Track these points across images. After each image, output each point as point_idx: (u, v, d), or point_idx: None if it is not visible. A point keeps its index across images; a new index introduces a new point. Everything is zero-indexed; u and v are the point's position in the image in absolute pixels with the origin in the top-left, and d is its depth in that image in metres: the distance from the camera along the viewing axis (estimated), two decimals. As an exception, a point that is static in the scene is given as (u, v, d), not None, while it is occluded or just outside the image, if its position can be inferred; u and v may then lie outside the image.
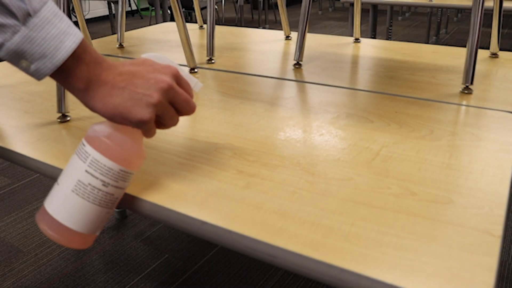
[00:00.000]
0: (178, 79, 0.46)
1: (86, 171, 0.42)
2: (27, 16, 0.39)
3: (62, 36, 0.40)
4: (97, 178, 0.42)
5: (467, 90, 0.74)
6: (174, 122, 0.47)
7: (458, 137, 0.58)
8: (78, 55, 0.41)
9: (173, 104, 0.45)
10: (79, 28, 1.12)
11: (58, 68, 0.41)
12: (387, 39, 2.61)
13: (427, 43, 3.52)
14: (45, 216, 0.42)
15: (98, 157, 0.42)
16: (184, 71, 0.48)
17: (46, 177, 1.85)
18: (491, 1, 0.89)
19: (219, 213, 0.43)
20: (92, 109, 0.43)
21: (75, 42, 0.41)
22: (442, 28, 4.18)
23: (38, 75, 0.41)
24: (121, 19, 1.16)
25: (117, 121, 0.43)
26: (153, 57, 0.48)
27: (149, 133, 0.45)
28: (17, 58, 0.40)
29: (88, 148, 0.42)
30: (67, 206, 0.42)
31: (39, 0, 0.40)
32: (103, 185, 0.42)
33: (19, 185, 1.81)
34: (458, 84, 0.78)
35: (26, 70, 0.41)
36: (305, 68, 0.90)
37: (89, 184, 0.42)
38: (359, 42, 1.11)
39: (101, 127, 0.44)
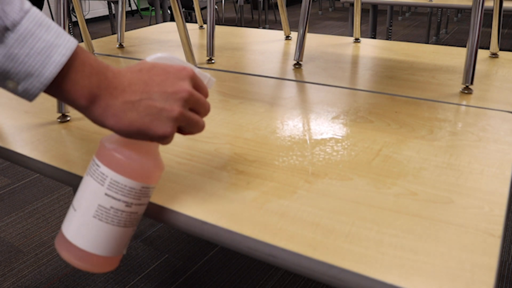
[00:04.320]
0: (194, 81, 0.42)
1: (106, 194, 0.39)
2: (5, 31, 0.34)
3: (50, 49, 0.35)
4: (119, 200, 0.39)
5: (467, 90, 0.74)
6: (200, 129, 0.43)
7: (458, 137, 0.58)
8: (74, 68, 0.36)
9: (193, 110, 0.42)
10: (79, 28, 1.12)
11: (52, 86, 0.36)
12: (387, 39, 2.61)
13: (427, 43, 3.51)
14: (68, 245, 0.39)
15: (117, 178, 0.38)
16: (196, 69, 0.44)
17: (46, 177, 1.85)
18: (491, 1, 0.89)
19: (219, 213, 0.43)
20: (103, 125, 0.38)
21: (65, 54, 0.35)
22: (442, 28, 4.18)
23: (28, 96, 0.36)
24: (121, 19, 1.16)
25: (133, 138, 0.39)
26: (160, 59, 0.42)
27: (167, 143, 0.41)
28: (2, 79, 0.35)
29: (104, 169, 0.39)
30: (92, 233, 0.39)
31: (19, 10, 0.34)
32: (127, 205, 0.39)
33: (19, 185, 1.81)
34: (458, 84, 0.78)
35: (14, 91, 0.36)
36: (305, 68, 0.90)
37: (112, 207, 0.39)
38: (359, 42, 1.11)
39: (113, 142, 0.40)
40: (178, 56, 0.45)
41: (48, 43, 0.35)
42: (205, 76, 0.45)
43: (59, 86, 0.36)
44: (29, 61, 0.34)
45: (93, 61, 0.37)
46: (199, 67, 0.93)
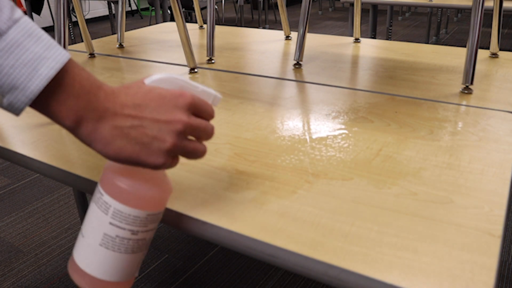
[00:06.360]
0: (194, 106, 0.39)
1: (111, 223, 0.38)
2: None
3: (37, 61, 0.33)
4: (124, 228, 0.38)
5: (467, 90, 0.74)
6: (200, 155, 0.40)
7: (458, 137, 0.58)
8: (62, 84, 0.34)
9: (192, 136, 0.40)
10: (79, 28, 1.12)
11: (37, 102, 0.34)
12: (387, 39, 2.61)
13: (427, 43, 3.52)
14: (78, 271, 0.39)
15: (120, 207, 0.37)
16: (199, 87, 0.41)
17: (46, 177, 1.85)
18: (491, 1, 0.89)
19: (219, 213, 0.43)
20: (90, 147, 0.36)
21: (54, 67, 0.33)
22: (442, 28, 4.18)
23: (13, 110, 0.34)
24: (121, 19, 1.16)
25: (124, 164, 0.37)
26: (160, 81, 0.39)
27: (166, 169, 0.39)
28: None
29: (107, 198, 0.38)
30: (100, 261, 0.38)
31: (7, 19, 0.32)
32: (133, 234, 0.38)
33: (19, 185, 1.81)
34: (458, 84, 0.78)
35: (0, 105, 0.34)
36: (305, 68, 0.90)
37: (117, 236, 0.38)
38: (359, 42, 1.10)
39: (116, 169, 0.38)
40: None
41: (36, 55, 0.33)
42: (210, 94, 0.42)
43: (44, 103, 0.34)
44: (14, 73, 0.32)
45: (85, 80, 0.35)
46: (198, 67, 0.93)
